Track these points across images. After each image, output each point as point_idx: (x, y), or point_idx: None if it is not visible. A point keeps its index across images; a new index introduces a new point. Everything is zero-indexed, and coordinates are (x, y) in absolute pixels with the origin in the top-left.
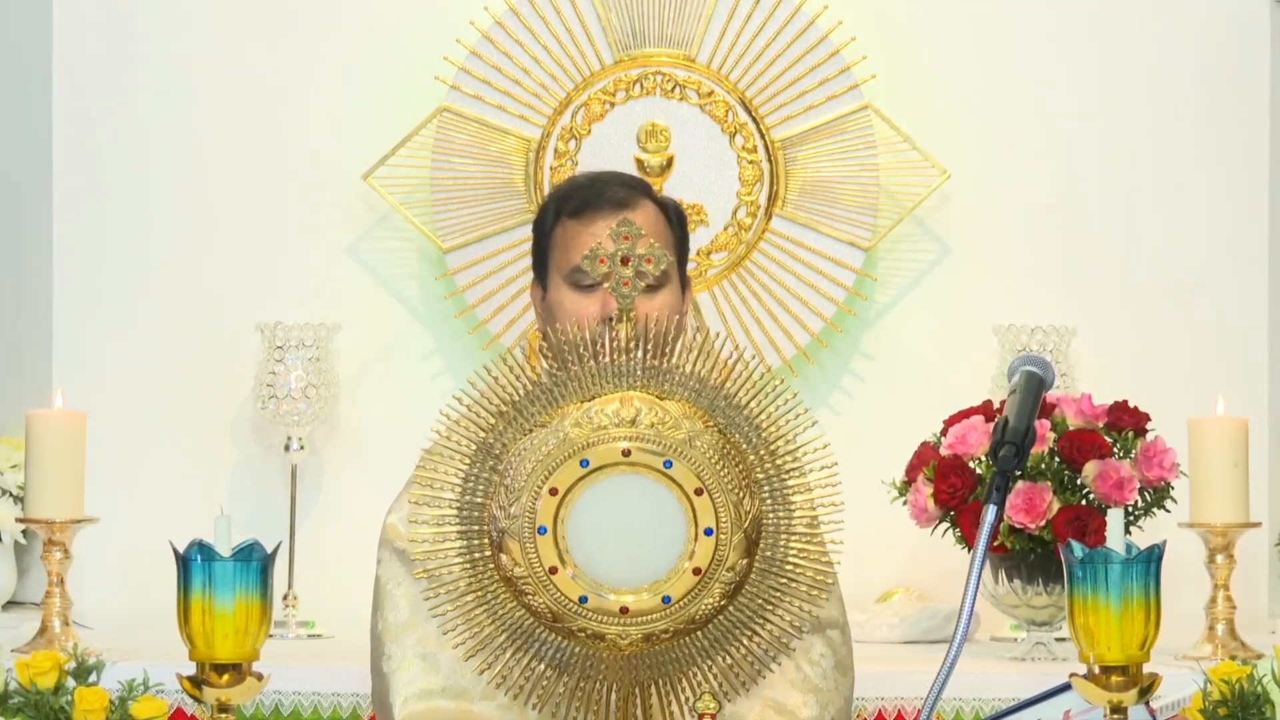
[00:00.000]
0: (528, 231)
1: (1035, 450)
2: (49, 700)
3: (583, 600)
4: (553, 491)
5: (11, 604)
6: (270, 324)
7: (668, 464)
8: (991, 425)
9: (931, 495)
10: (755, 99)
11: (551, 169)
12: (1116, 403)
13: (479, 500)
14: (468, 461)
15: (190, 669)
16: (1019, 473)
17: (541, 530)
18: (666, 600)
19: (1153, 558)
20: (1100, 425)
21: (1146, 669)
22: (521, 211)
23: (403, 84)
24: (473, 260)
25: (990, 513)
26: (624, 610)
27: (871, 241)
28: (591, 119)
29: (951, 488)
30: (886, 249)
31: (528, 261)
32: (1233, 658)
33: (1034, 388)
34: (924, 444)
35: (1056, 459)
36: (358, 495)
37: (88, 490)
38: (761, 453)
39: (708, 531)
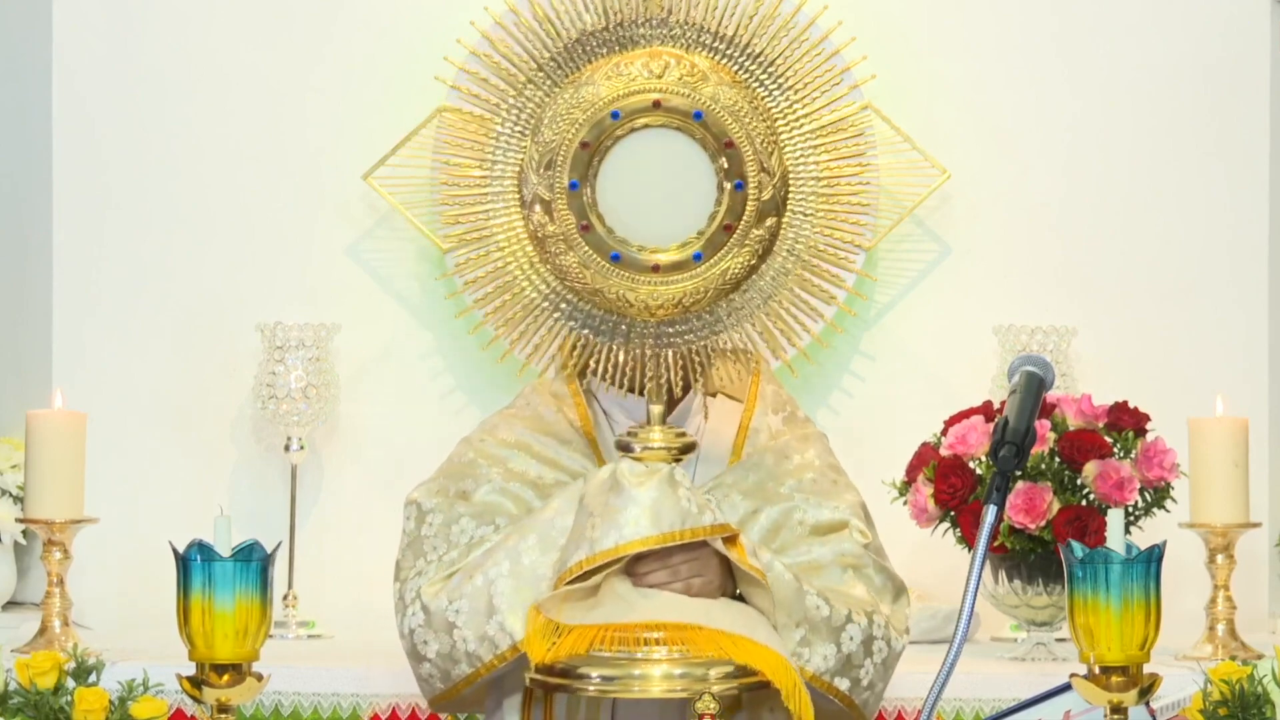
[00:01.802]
0: None
1: (1035, 450)
2: (49, 700)
3: (614, 258)
4: (584, 145)
5: (11, 604)
6: (270, 324)
7: (697, 115)
8: (991, 425)
9: (931, 495)
10: None
11: None
12: (1116, 403)
13: (510, 159)
14: (498, 121)
15: (190, 669)
16: (1019, 473)
17: (573, 185)
18: (698, 257)
19: (1153, 558)
20: (1100, 425)
21: (1146, 669)
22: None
23: (403, 84)
24: None
25: (990, 513)
26: (655, 268)
27: (872, 241)
28: None
29: (951, 488)
30: (886, 249)
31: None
32: (1233, 658)
33: (1034, 388)
34: (924, 444)
35: (1056, 459)
36: (358, 495)
37: (88, 490)
38: (784, 109)
39: (738, 185)
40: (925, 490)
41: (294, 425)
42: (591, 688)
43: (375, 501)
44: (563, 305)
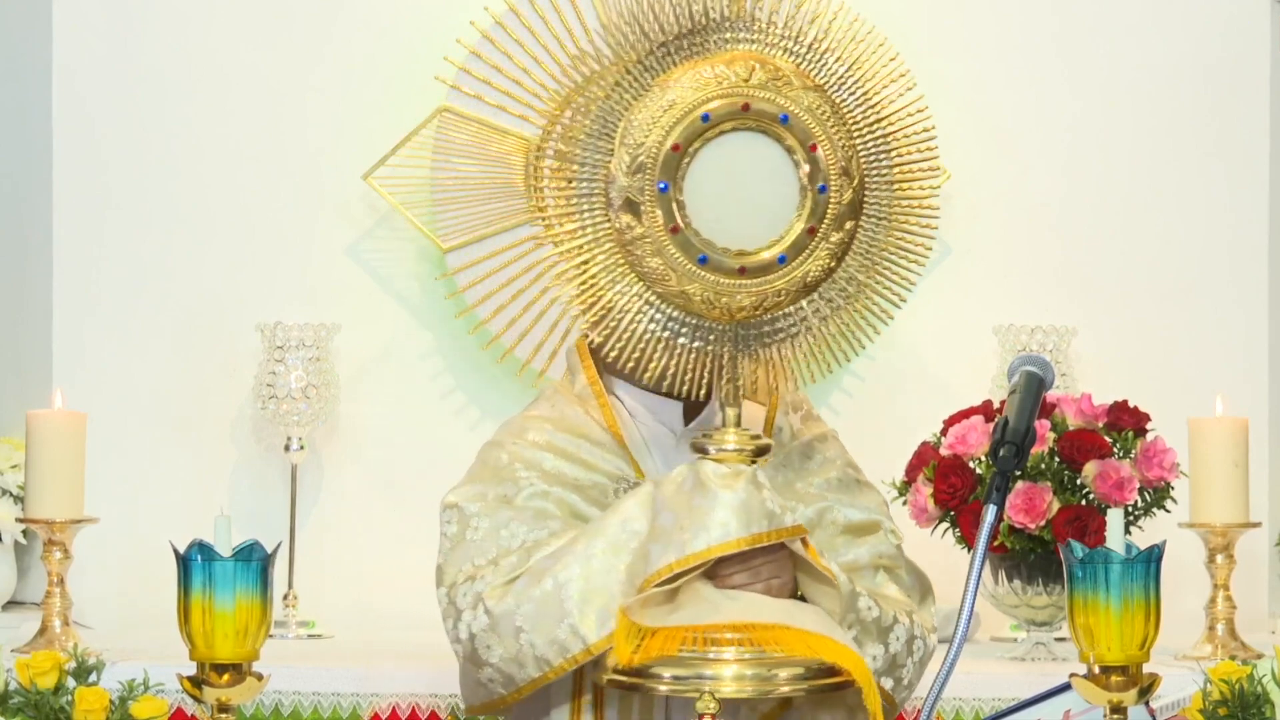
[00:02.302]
0: (528, 231)
1: (1035, 450)
2: (49, 700)
3: (701, 260)
4: (675, 148)
5: (11, 604)
6: (270, 324)
7: (784, 119)
8: (991, 425)
9: (931, 495)
10: None
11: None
12: (1116, 403)
13: (598, 161)
14: (589, 120)
15: (190, 669)
16: (1019, 473)
17: (663, 188)
18: (782, 260)
19: (1153, 558)
20: (1100, 425)
21: (1146, 669)
22: (521, 212)
23: (403, 84)
24: (473, 260)
25: (990, 513)
26: (742, 270)
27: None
28: None
29: (951, 488)
30: None
31: (528, 261)
32: (1233, 658)
33: (1034, 388)
34: (924, 444)
35: (1056, 459)
36: (358, 495)
37: (88, 490)
38: (857, 115)
39: (821, 189)
40: (925, 490)
41: (294, 425)
42: (663, 687)
43: (375, 501)
44: (646, 309)
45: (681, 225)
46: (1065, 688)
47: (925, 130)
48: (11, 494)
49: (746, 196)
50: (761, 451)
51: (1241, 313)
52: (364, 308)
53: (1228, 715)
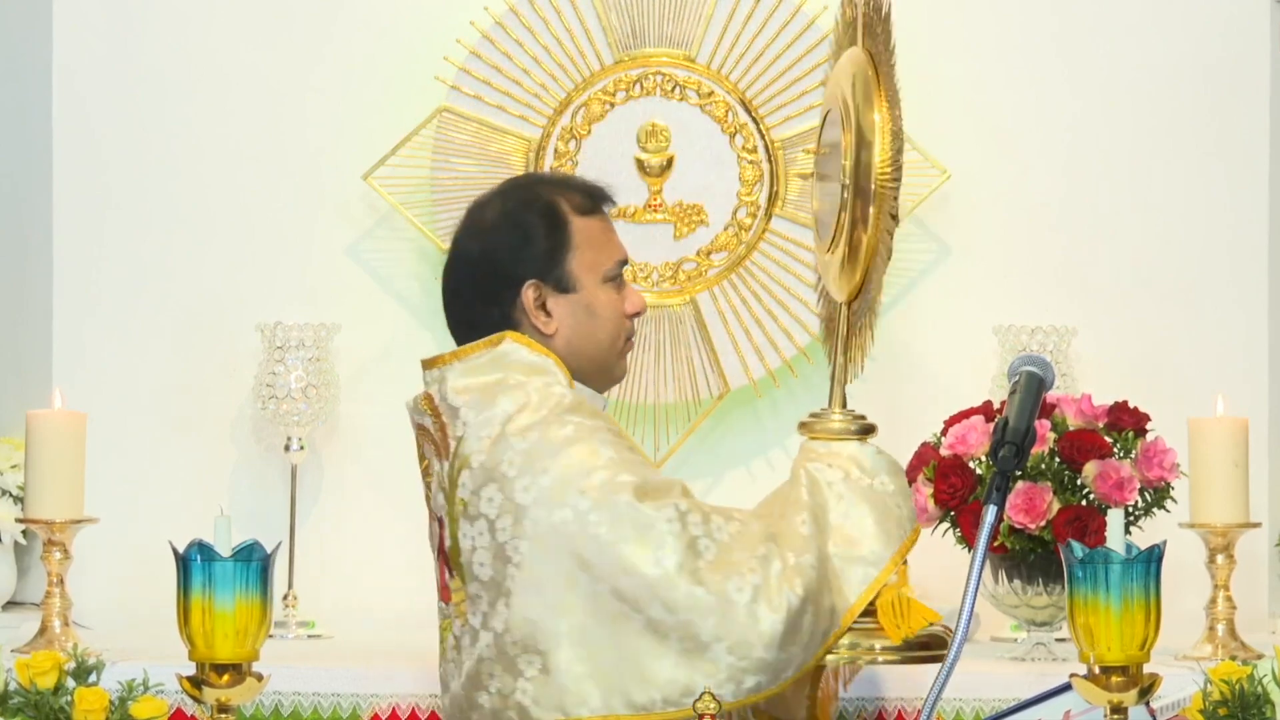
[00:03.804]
0: None
1: (1035, 450)
2: (49, 700)
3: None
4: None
5: (11, 604)
6: (270, 324)
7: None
8: (991, 425)
9: (931, 495)
10: (755, 99)
11: (551, 169)
12: (1116, 403)
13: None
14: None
15: (190, 669)
16: (1019, 473)
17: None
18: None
19: (1153, 558)
20: (1100, 425)
21: (1146, 669)
22: None
23: (403, 84)
24: None
25: (990, 513)
26: None
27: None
28: (591, 119)
29: (951, 488)
30: None
31: None
32: (1233, 658)
33: (1034, 388)
34: (924, 444)
35: (1056, 459)
36: (358, 495)
37: (88, 490)
38: None
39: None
40: (925, 490)
41: (294, 425)
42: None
43: (375, 501)
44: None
45: None
46: (1065, 688)
47: None
48: (11, 494)
49: None
50: (866, 430)
51: (1241, 313)
52: (364, 308)
53: (1228, 715)
